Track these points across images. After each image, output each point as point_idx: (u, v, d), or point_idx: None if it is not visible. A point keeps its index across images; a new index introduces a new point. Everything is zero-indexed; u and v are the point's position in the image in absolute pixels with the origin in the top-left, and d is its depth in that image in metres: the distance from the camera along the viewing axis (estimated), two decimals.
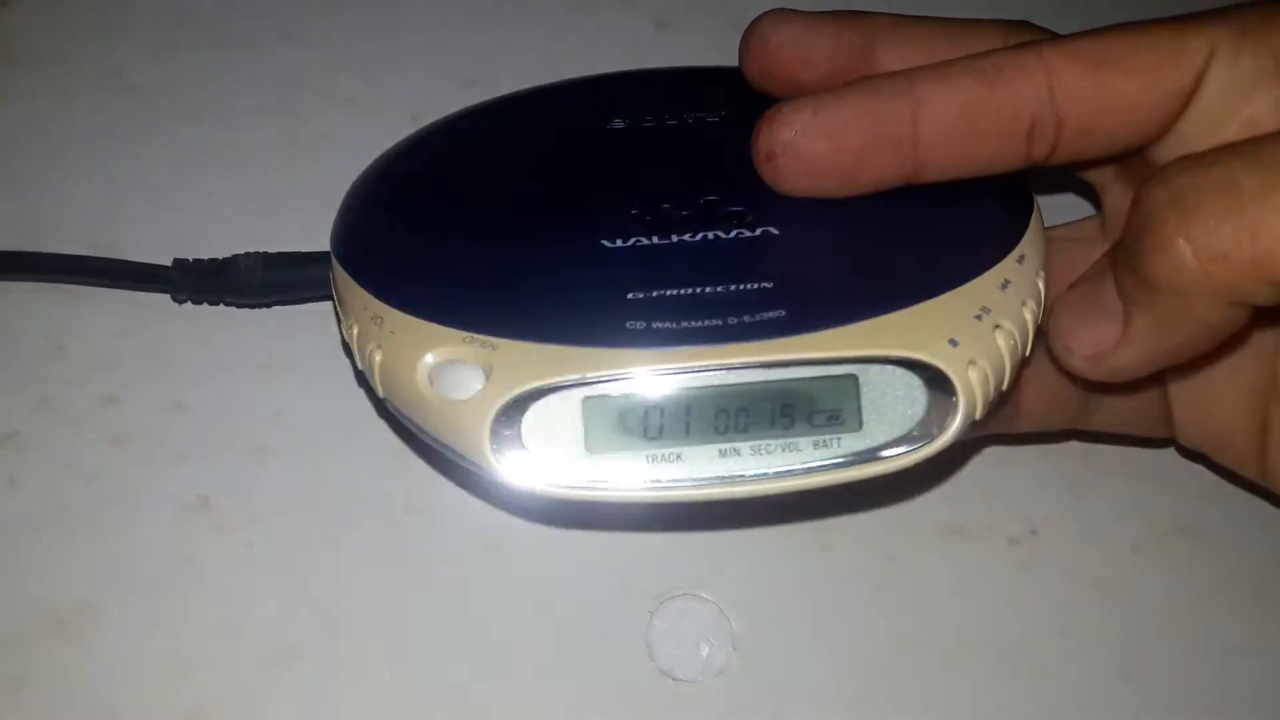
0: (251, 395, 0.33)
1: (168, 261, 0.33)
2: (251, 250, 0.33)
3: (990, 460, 0.33)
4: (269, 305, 0.34)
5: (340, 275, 0.29)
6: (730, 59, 0.30)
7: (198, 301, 0.34)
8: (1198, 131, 0.26)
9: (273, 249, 0.33)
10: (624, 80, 0.33)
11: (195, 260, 0.33)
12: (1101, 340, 0.26)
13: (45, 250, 0.34)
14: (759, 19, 0.29)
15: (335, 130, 0.37)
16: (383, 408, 0.29)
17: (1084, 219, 0.31)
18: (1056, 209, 0.31)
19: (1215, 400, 0.30)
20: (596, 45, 0.40)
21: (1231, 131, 0.26)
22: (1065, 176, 0.30)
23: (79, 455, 0.32)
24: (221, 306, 0.34)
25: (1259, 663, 0.31)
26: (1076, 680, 0.31)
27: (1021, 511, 0.33)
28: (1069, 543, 0.33)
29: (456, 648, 0.30)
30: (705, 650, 0.31)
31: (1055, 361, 0.28)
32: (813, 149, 0.27)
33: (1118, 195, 0.30)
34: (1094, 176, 0.30)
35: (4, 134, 0.36)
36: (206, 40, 0.39)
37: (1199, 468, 0.33)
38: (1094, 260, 0.28)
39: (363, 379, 0.28)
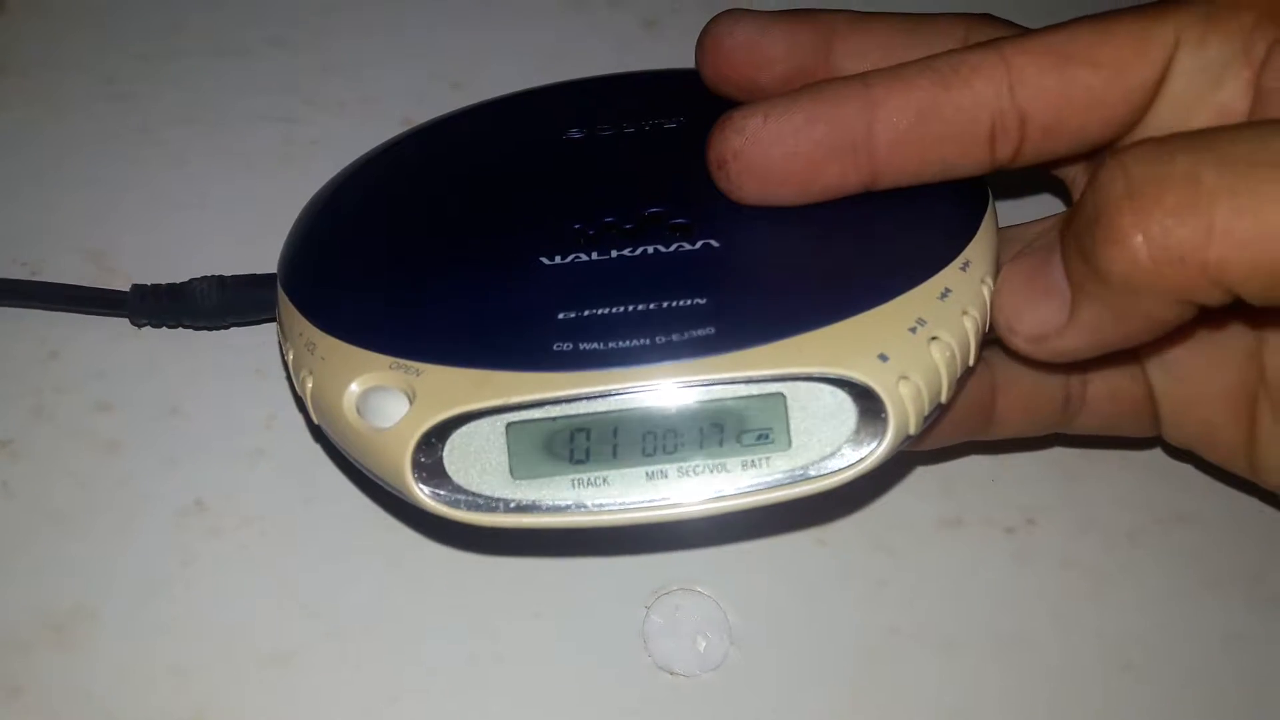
0: (245, 399, 0.33)
1: (163, 267, 0.33)
2: (209, 274, 0.33)
3: (985, 451, 0.33)
4: (226, 327, 0.34)
5: (281, 299, 0.28)
6: None
7: (156, 325, 0.33)
8: (1168, 122, 0.26)
9: (268, 255, 0.33)
10: (576, 89, 0.33)
11: (153, 285, 0.33)
12: (1046, 323, 0.25)
13: (36, 255, 0.34)
14: (713, 21, 0.29)
15: (328, 135, 0.38)
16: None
17: (1057, 215, 0.30)
18: (1030, 208, 0.31)
19: (1201, 398, 0.29)
20: (586, 45, 0.40)
21: (1203, 119, 0.25)
22: (1038, 175, 0.29)
23: (74, 461, 0.32)
24: (180, 330, 0.34)
25: (1259, 649, 0.31)
26: (1076, 670, 0.31)
27: (1017, 502, 0.33)
28: (1066, 532, 0.32)
29: (453, 646, 0.30)
30: (702, 644, 0.31)
31: (1002, 343, 0.27)
32: (764, 156, 0.26)
33: None
34: (1064, 173, 0.30)
35: None
36: (198, 46, 0.39)
37: (1215, 474, 0.33)
38: (1042, 231, 0.27)
39: (303, 405, 0.28)
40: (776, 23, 0.28)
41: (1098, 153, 0.27)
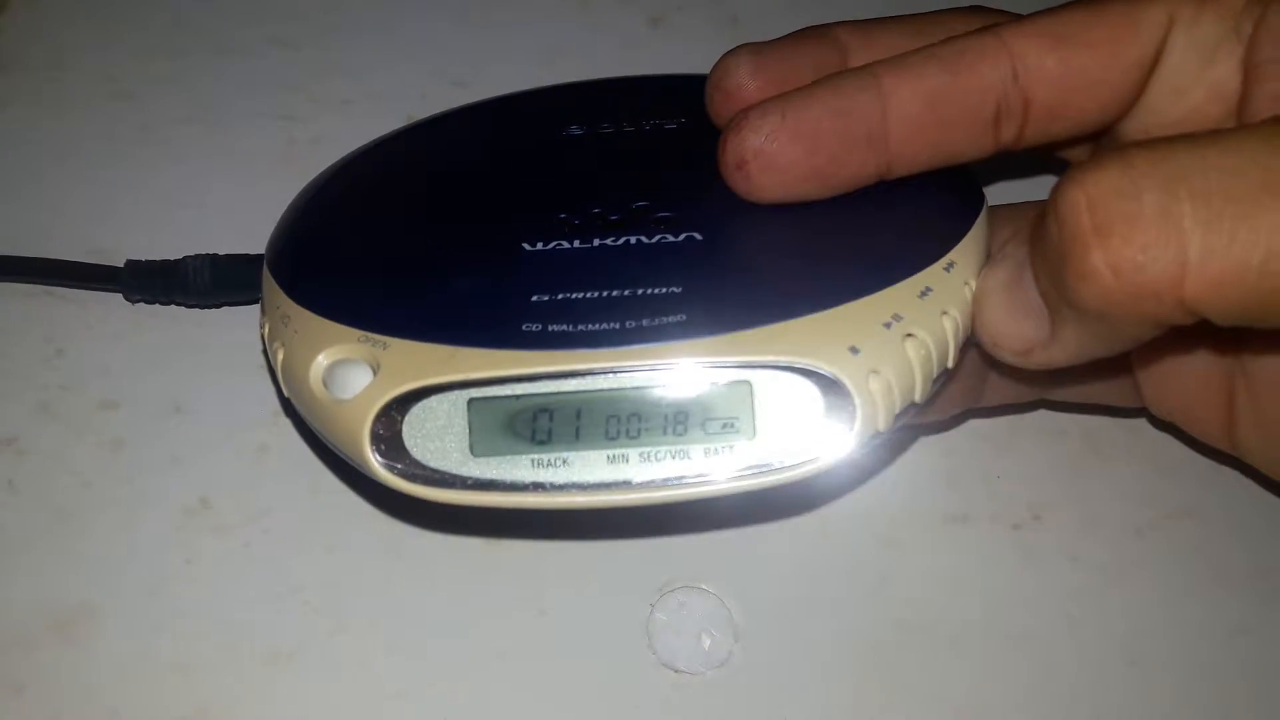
0: (249, 396, 0.33)
1: None
2: (202, 252, 0.33)
3: (992, 445, 0.33)
4: (217, 306, 0.34)
5: (265, 277, 0.28)
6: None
7: (150, 301, 0.34)
8: (1164, 100, 0.26)
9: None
10: (574, 90, 0.33)
11: (147, 261, 0.33)
12: (1029, 339, 0.25)
13: (37, 253, 0.34)
14: (726, 64, 0.28)
15: (332, 132, 0.38)
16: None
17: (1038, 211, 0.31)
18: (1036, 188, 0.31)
19: (1179, 375, 0.29)
20: (590, 43, 0.40)
21: (1197, 97, 0.26)
22: (1049, 157, 0.29)
23: (79, 459, 0.32)
24: (184, 327, 0.34)
25: (1264, 644, 0.31)
26: (1082, 665, 0.31)
27: (1024, 497, 0.33)
28: (1072, 527, 0.32)
29: (456, 643, 0.30)
30: (707, 642, 0.31)
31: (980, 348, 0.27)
32: (786, 153, 0.26)
33: None
34: (1069, 154, 0.30)
35: None
36: (200, 45, 0.39)
37: (1200, 449, 0.33)
38: (1015, 233, 0.27)
39: (275, 379, 0.28)
40: (797, 53, 0.28)
41: (1100, 134, 0.28)
